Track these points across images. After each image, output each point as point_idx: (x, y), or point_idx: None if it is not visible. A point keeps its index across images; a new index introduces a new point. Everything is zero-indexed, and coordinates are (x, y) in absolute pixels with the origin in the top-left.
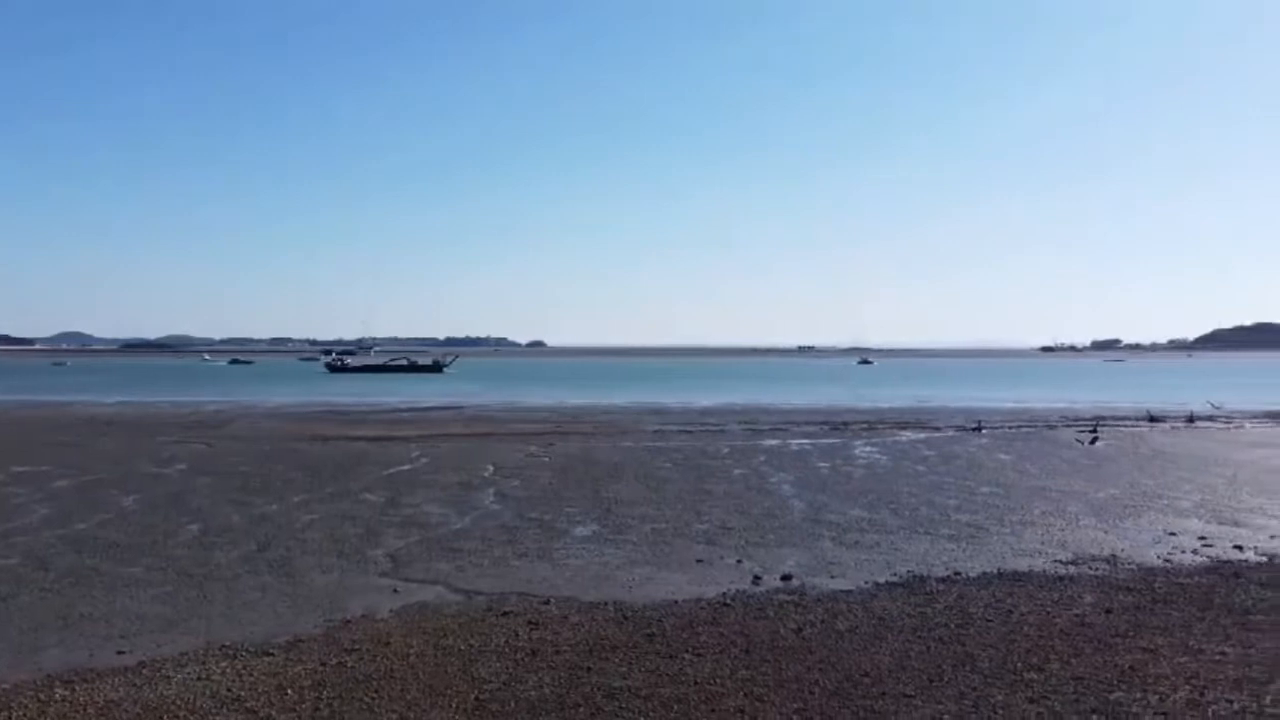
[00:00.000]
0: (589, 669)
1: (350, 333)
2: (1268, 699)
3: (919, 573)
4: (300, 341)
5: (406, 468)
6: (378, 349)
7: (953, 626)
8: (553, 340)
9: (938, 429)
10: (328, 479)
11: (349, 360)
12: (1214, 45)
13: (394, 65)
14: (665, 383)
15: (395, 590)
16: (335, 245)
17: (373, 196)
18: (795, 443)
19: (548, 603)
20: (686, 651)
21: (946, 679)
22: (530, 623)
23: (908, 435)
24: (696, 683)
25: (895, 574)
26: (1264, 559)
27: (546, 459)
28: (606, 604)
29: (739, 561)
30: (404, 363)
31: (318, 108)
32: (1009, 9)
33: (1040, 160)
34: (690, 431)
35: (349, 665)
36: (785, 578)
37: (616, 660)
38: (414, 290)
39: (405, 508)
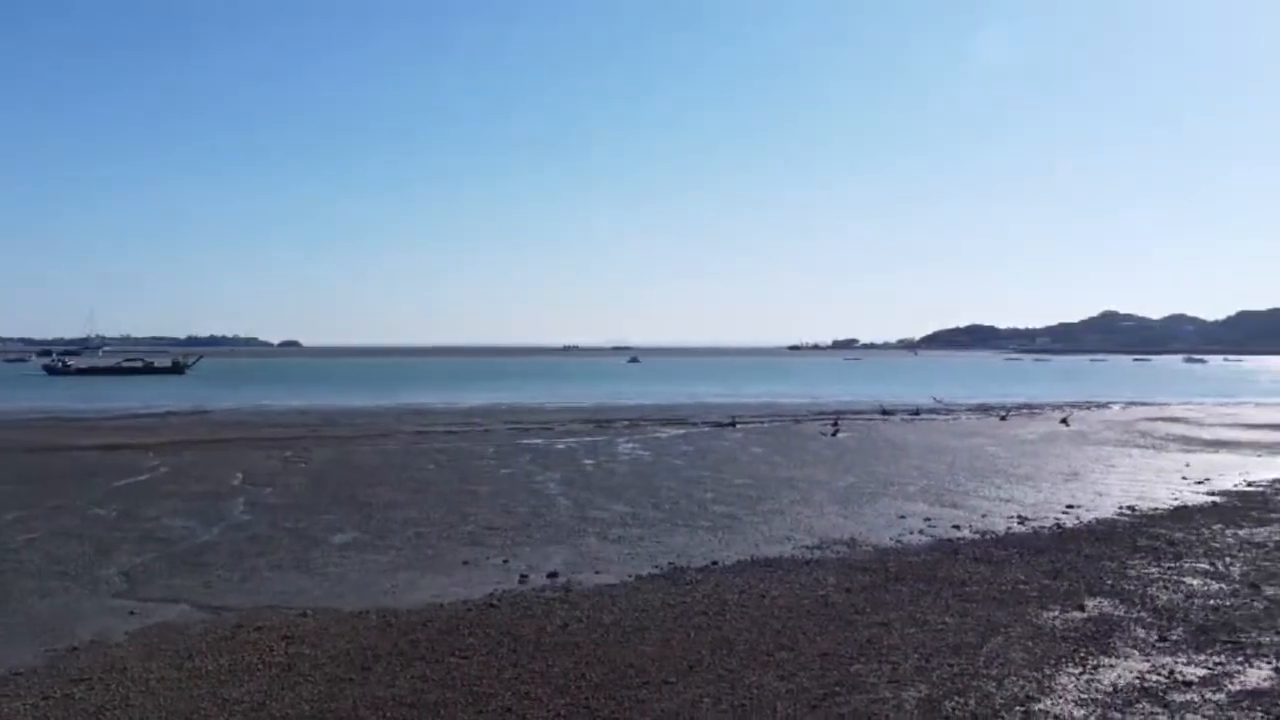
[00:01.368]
0: (351, 680)
1: (73, 330)
2: (981, 660)
3: (679, 564)
4: (12, 341)
5: (144, 478)
6: (108, 349)
7: (711, 614)
8: (308, 340)
9: (696, 425)
10: (49, 493)
11: (72, 361)
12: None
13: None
14: (428, 383)
15: (132, 612)
16: (53, 230)
17: (94, 175)
18: (561, 441)
19: (305, 615)
20: (453, 655)
21: (705, 664)
22: (285, 637)
23: (668, 431)
24: (463, 685)
25: (657, 566)
26: (977, 536)
27: (302, 464)
28: (369, 612)
29: (505, 561)
30: (139, 364)
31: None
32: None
33: (786, 174)
34: (455, 432)
35: (77, 697)
36: (552, 575)
37: (380, 669)
38: (151, 284)
39: (143, 521)
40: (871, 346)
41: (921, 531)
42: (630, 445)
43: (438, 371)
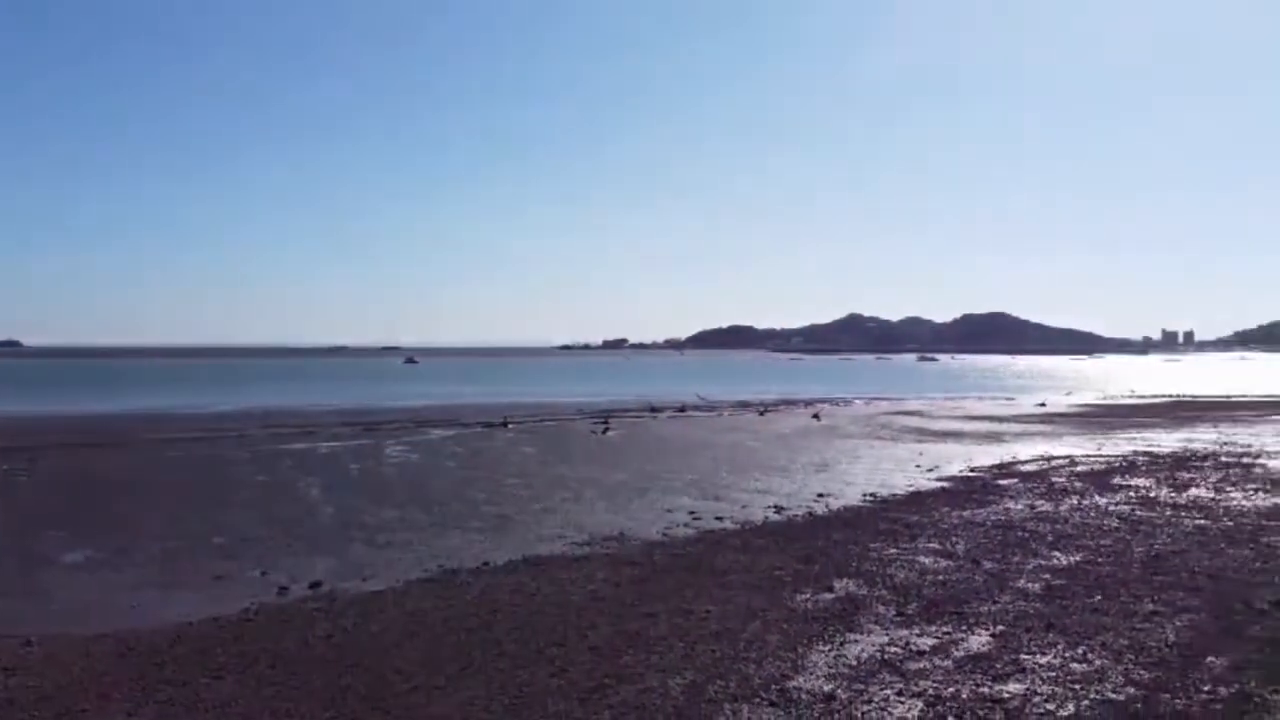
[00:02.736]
0: (85, 712)
1: None
2: (741, 645)
3: (450, 566)
4: None
5: None
6: None
7: (482, 615)
8: (31, 339)
9: (468, 425)
10: None
11: None
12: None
13: None
14: (177, 387)
15: None
16: None
17: None
18: (325, 445)
19: (30, 644)
20: (204, 676)
21: (476, 665)
22: (5, 669)
23: (439, 433)
24: (215, 708)
25: (427, 570)
26: (738, 526)
27: (25, 476)
28: (106, 636)
29: (263, 573)
30: None
31: None
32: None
33: (556, 176)
34: (207, 438)
35: None
36: (314, 585)
37: (120, 697)
38: None
39: None
40: (641, 346)
41: (687, 524)
42: (400, 448)
43: (189, 374)
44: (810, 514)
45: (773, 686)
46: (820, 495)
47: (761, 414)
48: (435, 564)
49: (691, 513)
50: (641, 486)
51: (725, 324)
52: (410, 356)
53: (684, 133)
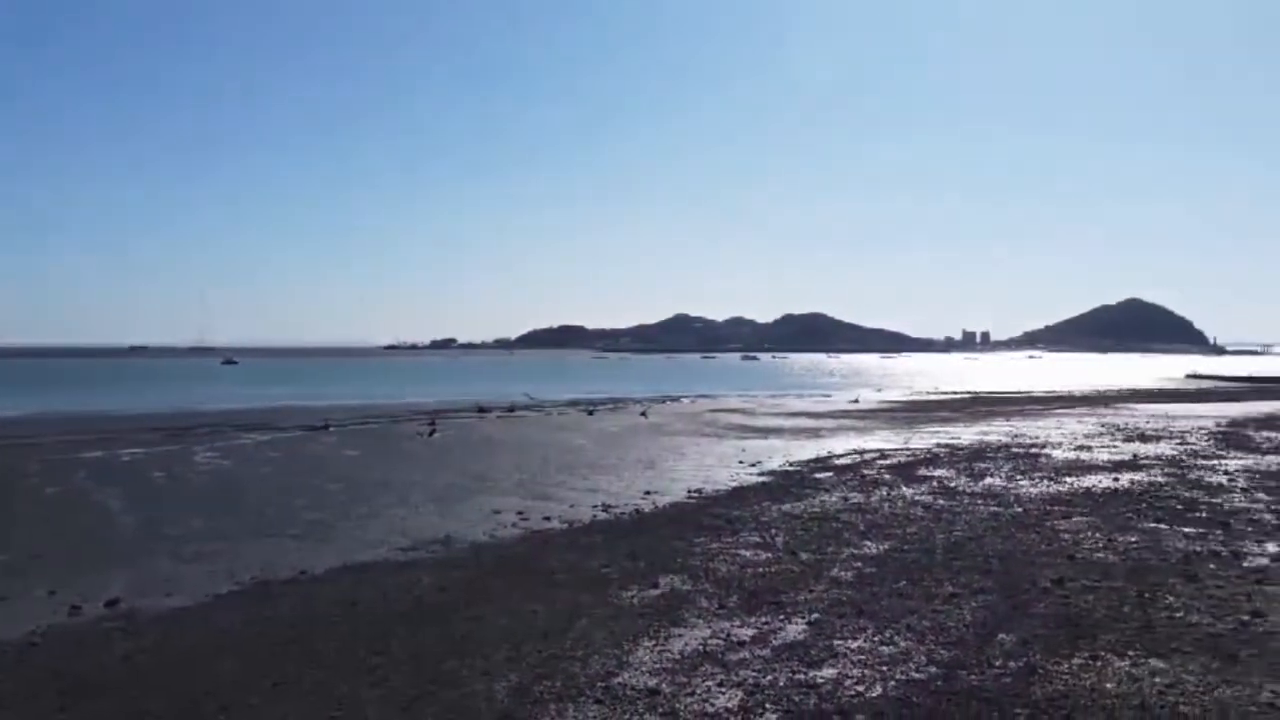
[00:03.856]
0: None
1: None
2: (568, 644)
3: (263, 578)
4: None
5: None
6: None
7: (298, 626)
8: None
9: (284, 429)
10: None
11: None
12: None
13: None
14: None
15: None
16: None
17: None
18: (127, 452)
19: None
20: None
21: (292, 679)
22: None
23: (253, 437)
24: None
25: (238, 582)
26: (566, 525)
27: None
28: None
29: (52, 593)
30: None
31: None
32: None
33: (385, 170)
34: None
35: None
36: (111, 603)
37: None
38: None
39: None
40: (470, 346)
41: (515, 525)
42: (210, 454)
43: None
44: (637, 511)
45: (598, 684)
46: (647, 493)
47: (590, 413)
48: (248, 575)
49: (519, 513)
50: (468, 488)
51: (556, 324)
52: (229, 357)
53: (515, 131)
